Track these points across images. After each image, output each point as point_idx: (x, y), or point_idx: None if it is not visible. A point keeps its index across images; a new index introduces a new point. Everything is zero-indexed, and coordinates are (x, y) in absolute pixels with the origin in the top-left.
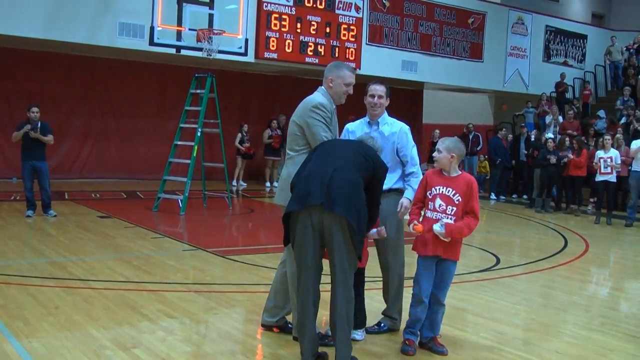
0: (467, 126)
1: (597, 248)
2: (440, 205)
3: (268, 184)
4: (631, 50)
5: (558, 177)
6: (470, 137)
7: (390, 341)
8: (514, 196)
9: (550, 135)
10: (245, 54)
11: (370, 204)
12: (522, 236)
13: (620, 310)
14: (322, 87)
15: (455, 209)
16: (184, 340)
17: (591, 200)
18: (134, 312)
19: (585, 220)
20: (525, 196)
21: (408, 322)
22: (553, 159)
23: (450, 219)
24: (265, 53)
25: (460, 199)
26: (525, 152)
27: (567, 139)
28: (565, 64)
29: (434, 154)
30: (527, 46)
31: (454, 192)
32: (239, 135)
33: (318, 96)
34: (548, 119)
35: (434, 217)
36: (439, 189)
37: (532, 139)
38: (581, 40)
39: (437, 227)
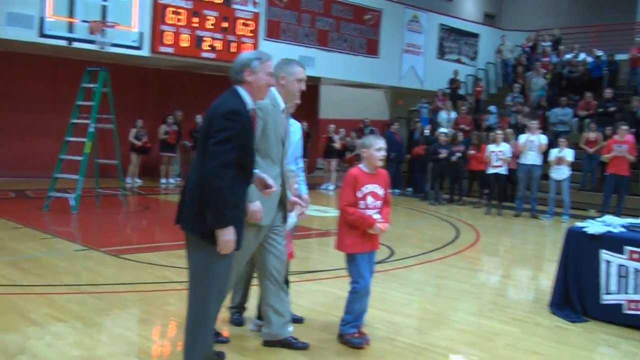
0: (363, 121)
1: (488, 238)
2: (371, 202)
3: (164, 180)
4: (526, 49)
5: (450, 170)
6: (366, 131)
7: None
8: (408, 189)
9: (443, 130)
10: (140, 47)
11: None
12: (416, 228)
13: (508, 296)
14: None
15: (381, 202)
16: (74, 344)
17: (483, 192)
18: (20, 317)
19: (477, 211)
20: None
21: (351, 317)
22: (444, 153)
23: (377, 212)
24: (161, 47)
25: (383, 193)
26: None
27: (460, 133)
28: (458, 61)
29: (379, 153)
30: (422, 43)
31: (379, 187)
32: (134, 130)
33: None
34: (442, 114)
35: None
36: (369, 187)
37: (426, 134)
38: (474, 39)
39: (372, 231)
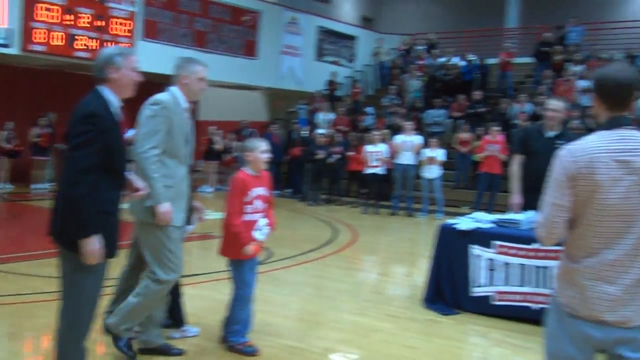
0: (241, 122)
1: (365, 237)
2: (259, 206)
3: (36, 186)
4: (402, 52)
5: (328, 171)
6: (245, 133)
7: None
8: (287, 190)
9: (320, 131)
10: (9, 45)
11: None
12: (294, 229)
13: (384, 293)
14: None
15: (266, 204)
16: None
17: (361, 192)
18: None
19: (355, 211)
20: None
21: (240, 326)
22: (321, 154)
23: (264, 215)
24: (32, 45)
25: (267, 194)
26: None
27: (338, 134)
28: (336, 63)
29: (264, 155)
30: (301, 45)
31: (264, 189)
32: (3, 133)
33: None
34: (320, 115)
35: (254, 219)
36: (257, 190)
37: (303, 135)
38: (352, 41)
39: (260, 235)
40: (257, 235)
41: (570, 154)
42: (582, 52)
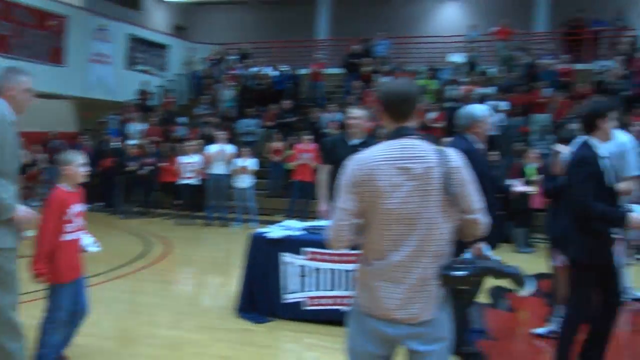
0: (50, 133)
1: (180, 249)
2: (78, 223)
3: None
4: (214, 61)
5: (140, 183)
6: (53, 145)
7: None
8: (98, 204)
9: (132, 142)
10: None
11: None
12: (106, 244)
13: (198, 305)
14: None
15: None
16: None
17: (175, 203)
18: None
19: (168, 223)
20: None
21: (48, 351)
22: (133, 165)
23: (84, 232)
24: None
25: (82, 209)
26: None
27: (151, 145)
28: (148, 72)
29: (81, 169)
30: (111, 53)
31: (80, 205)
32: None
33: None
34: (132, 125)
35: (75, 237)
36: (75, 207)
37: (114, 146)
38: (163, 50)
39: (93, 248)
40: (92, 248)
41: (355, 162)
42: (389, 64)
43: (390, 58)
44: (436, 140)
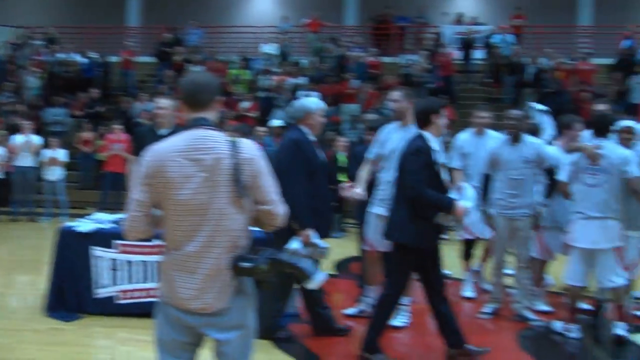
0: None
1: None
2: None
3: None
4: (16, 45)
5: None
6: None
7: None
8: None
9: None
10: None
11: None
12: None
13: (6, 307)
14: None
15: None
16: None
17: None
18: None
19: None
20: None
21: None
22: None
23: None
24: None
25: None
26: None
27: None
28: None
29: None
30: None
31: None
32: None
33: None
34: None
35: None
36: None
37: None
38: None
39: None
40: None
41: (149, 154)
42: (201, 53)
43: (202, 47)
44: (250, 130)
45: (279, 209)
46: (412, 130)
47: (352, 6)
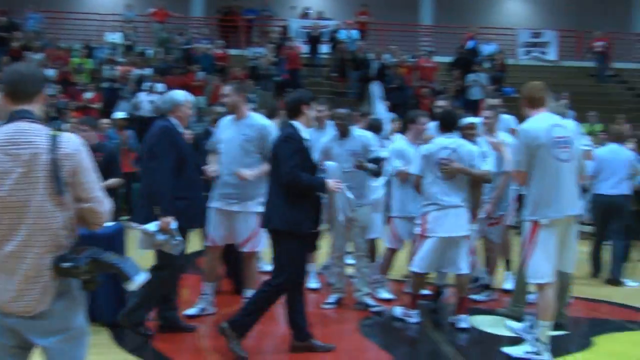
0: None
1: None
2: None
3: None
4: None
5: None
6: None
7: None
8: None
9: None
10: None
11: None
12: None
13: None
14: None
15: None
16: None
17: None
18: None
19: None
20: None
21: None
22: None
23: None
24: None
25: None
26: None
27: None
28: None
29: None
30: None
31: None
32: None
33: None
34: None
35: None
36: None
37: None
38: None
39: None
40: None
41: None
42: (41, 40)
43: (42, 33)
44: (96, 123)
45: (103, 207)
46: (248, 122)
47: None
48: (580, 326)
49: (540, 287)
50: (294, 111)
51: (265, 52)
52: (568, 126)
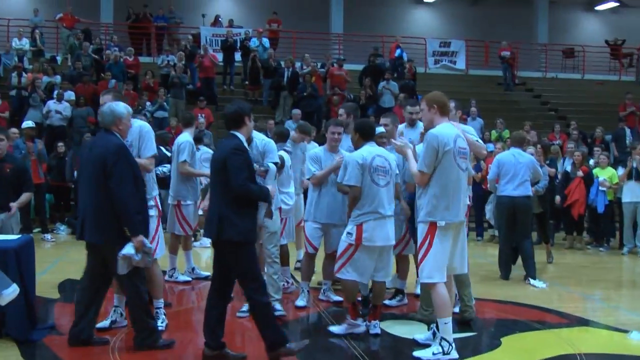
0: None
1: None
2: None
3: None
4: None
5: None
6: None
7: None
8: None
9: None
10: None
11: None
12: None
13: None
14: None
15: None
16: None
17: None
18: None
19: None
20: None
21: None
22: None
23: None
24: None
25: None
26: None
27: None
28: None
29: None
30: None
31: None
32: None
33: None
34: None
35: None
36: None
37: None
38: None
39: None
40: None
41: None
42: None
43: None
44: (7, 133)
45: None
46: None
47: (109, 2)
48: (489, 327)
49: (433, 286)
50: (236, 122)
51: (177, 59)
52: (465, 138)
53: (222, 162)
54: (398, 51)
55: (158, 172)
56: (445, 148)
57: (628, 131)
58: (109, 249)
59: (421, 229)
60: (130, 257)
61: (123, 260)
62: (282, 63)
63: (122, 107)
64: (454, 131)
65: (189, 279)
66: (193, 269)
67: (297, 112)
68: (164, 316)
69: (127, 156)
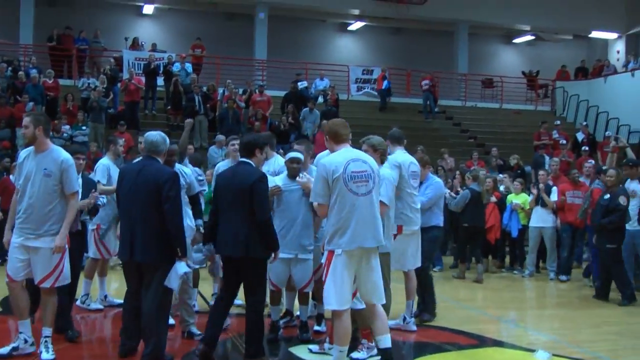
0: None
1: None
2: None
3: None
4: None
5: None
6: None
7: None
8: None
9: None
10: None
11: None
12: None
13: None
14: None
15: None
16: None
17: None
18: None
19: None
20: None
21: None
22: None
23: None
24: None
25: None
26: None
27: None
28: None
29: None
30: None
31: None
32: None
33: None
34: None
35: None
36: None
37: None
38: None
39: None
40: None
41: None
42: None
43: None
44: None
45: None
46: (50, 155)
47: (28, 24)
48: (400, 350)
49: (335, 313)
50: (249, 151)
51: (98, 83)
52: (369, 161)
53: (247, 189)
54: (323, 82)
55: (99, 202)
56: (334, 175)
57: (547, 158)
58: (152, 268)
59: (324, 257)
60: (184, 274)
61: (180, 278)
62: (205, 88)
63: (164, 137)
64: (344, 157)
65: (101, 307)
66: (105, 296)
67: (220, 138)
68: (51, 345)
69: (179, 183)
